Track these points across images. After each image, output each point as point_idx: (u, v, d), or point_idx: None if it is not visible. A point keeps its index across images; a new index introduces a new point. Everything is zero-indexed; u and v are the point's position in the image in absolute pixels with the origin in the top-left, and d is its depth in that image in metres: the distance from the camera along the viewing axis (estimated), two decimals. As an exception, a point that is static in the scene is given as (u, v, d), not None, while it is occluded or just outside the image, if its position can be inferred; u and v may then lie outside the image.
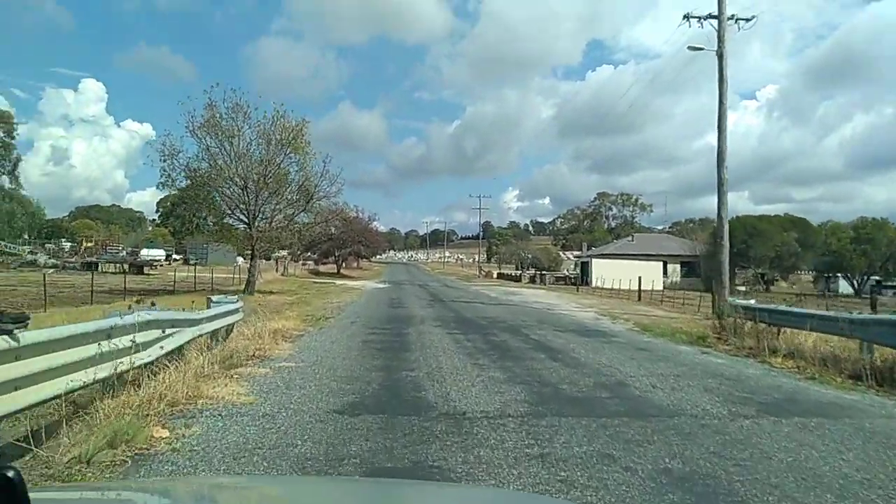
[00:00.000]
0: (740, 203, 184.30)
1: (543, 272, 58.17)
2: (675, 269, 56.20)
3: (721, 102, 18.71)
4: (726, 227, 18.51)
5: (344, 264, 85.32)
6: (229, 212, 28.13)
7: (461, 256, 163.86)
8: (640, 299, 31.87)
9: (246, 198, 27.19)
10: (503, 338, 13.09)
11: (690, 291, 42.78)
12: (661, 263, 54.39)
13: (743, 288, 57.48)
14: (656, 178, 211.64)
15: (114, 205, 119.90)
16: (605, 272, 50.21)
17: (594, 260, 54.48)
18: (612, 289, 41.45)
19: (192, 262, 72.05)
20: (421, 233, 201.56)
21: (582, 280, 54.34)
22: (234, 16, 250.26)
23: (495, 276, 74.98)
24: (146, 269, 52.06)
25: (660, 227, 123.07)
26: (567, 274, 60.43)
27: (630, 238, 61.50)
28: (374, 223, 65.24)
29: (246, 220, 27.52)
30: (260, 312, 13.75)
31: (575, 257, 70.94)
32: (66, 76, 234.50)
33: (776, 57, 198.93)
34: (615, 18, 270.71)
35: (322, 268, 70.66)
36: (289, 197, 27.76)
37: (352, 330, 13.98)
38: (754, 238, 52.17)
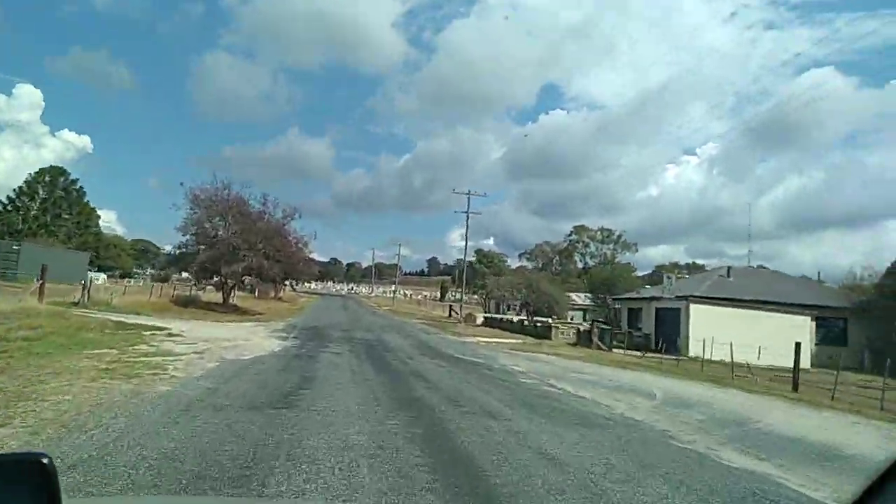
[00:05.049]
0: (676, 255, 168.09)
1: (595, 324, 32.57)
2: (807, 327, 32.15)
3: None
4: None
5: (255, 292, 56.93)
6: None
7: (408, 292, 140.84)
8: None
9: None
10: None
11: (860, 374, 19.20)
12: (808, 319, 30.32)
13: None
14: (597, 226, 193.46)
15: None
16: (710, 329, 25.76)
17: (694, 306, 29.66)
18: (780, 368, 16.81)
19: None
20: (364, 265, 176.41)
21: (664, 341, 29.30)
22: (181, 25, 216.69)
23: (480, 321, 48.98)
24: None
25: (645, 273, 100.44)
26: (635, 331, 34.85)
27: (725, 273, 36.89)
28: (290, 222, 37.88)
29: None
30: None
31: (616, 300, 45.89)
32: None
33: (717, 117, 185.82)
34: (570, 65, 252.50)
35: (206, 295, 41.97)
36: None
37: None
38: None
